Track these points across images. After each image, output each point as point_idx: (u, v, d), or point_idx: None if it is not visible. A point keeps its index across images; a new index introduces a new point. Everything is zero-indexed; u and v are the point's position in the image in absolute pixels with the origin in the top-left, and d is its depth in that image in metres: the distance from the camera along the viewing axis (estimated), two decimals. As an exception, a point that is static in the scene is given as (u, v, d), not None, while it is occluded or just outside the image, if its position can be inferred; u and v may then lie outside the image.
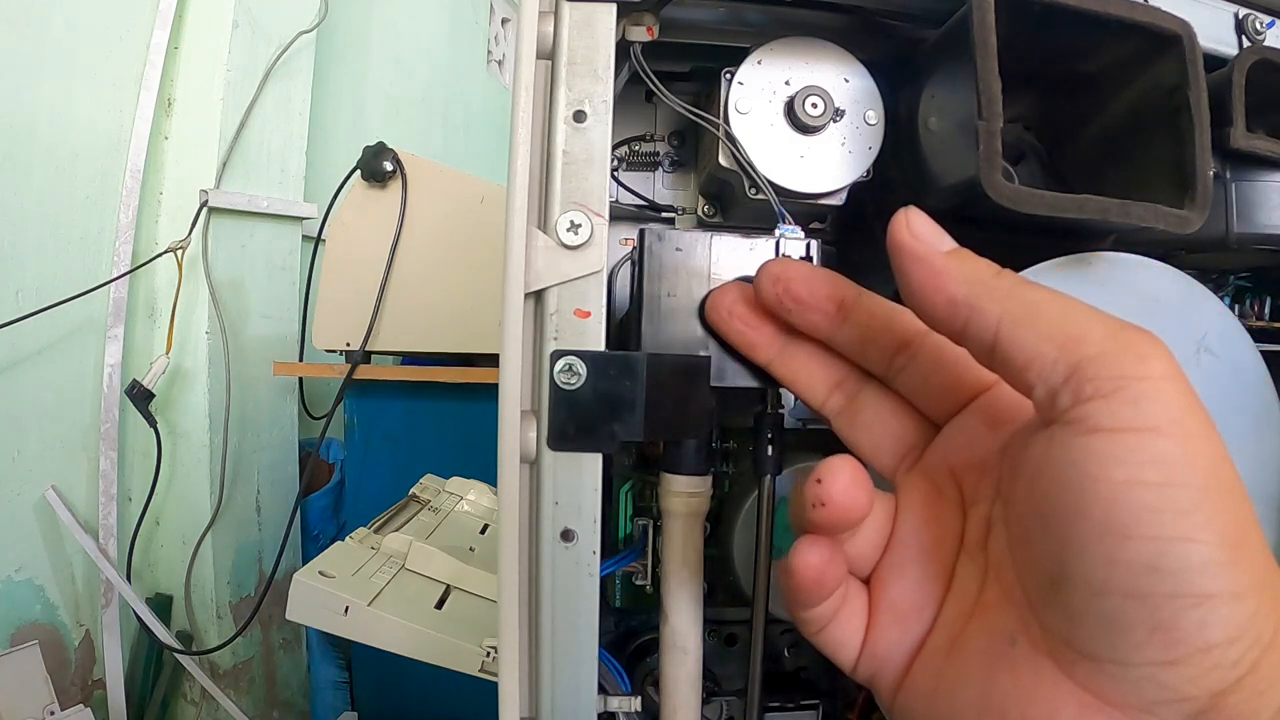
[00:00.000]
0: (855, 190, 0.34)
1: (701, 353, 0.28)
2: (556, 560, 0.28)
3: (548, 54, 0.28)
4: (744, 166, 0.33)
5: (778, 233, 0.30)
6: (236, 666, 1.35)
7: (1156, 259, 0.32)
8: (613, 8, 0.28)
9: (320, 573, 0.69)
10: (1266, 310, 0.43)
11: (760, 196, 0.33)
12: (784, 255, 0.30)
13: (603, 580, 0.30)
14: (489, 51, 2.37)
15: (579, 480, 0.27)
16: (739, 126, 0.33)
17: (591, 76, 0.28)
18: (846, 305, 0.25)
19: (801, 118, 0.32)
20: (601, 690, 0.33)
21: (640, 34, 0.32)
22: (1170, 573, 0.17)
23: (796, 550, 0.22)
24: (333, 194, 1.27)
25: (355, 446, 1.27)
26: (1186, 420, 0.18)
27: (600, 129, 0.27)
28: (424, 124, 2.05)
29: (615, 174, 0.41)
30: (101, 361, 1.22)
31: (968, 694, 0.20)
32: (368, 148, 1.19)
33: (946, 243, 0.21)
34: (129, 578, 1.23)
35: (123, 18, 1.22)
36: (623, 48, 0.31)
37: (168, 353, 1.24)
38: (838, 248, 0.40)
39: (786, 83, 0.33)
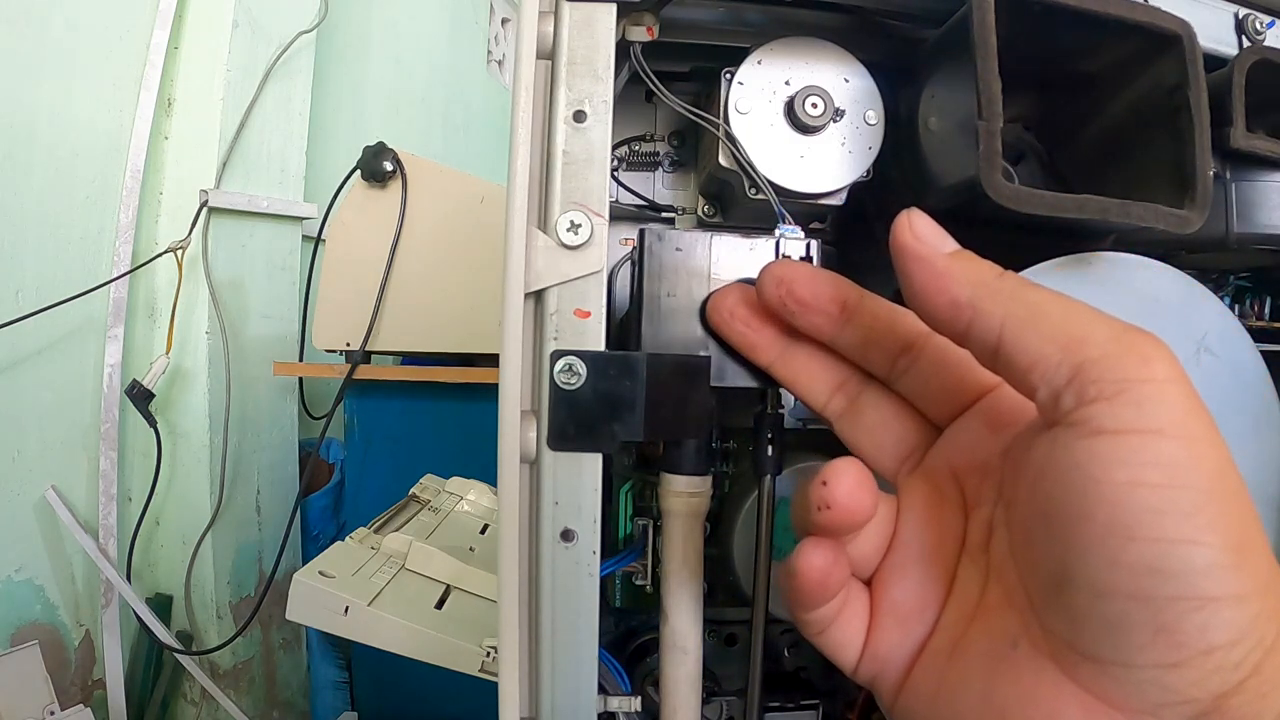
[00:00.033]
0: (855, 190, 0.34)
1: (701, 353, 0.28)
2: (556, 560, 0.28)
3: (548, 54, 0.28)
4: (744, 166, 0.33)
5: (778, 233, 0.30)
6: (236, 666, 1.35)
7: (1156, 259, 0.32)
8: (613, 8, 0.28)
9: (320, 573, 0.69)
10: (1266, 310, 0.43)
11: (760, 196, 0.33)
12: (784, 255, 0.30)
13: (603, 580, 0.30)
14: (489, 51, 2.37)
15: (579, 480, 0.27)
16: (739, 126, 0.33)
17: (591, 76, 0.28)
18: (849, 307, 0.24)
19: (801, 118, 0.32)
20: (601, 690, 0.33)
21: (640, 34, 0.32)
22: (1173, 575, 0.17)
23: (800, 552, 0.22)
24: (333, 194, 1.27)
25: (355, 446, 1.27)
26: (1190, 423, 0.18)
27: (600, 129, 0.27)
28: (424, 124, 2.05)
29: (615, 174, 0.41)
30: (101, 361, 1.22)
31: (969, 696, 0.20)
32: (368, 148, 1.19)
33: (949, 244, 0.21)
34: (129, 578, 1.23)
35: (123, 18, 1.22)
36: (623, 48, 0.31)
37: (168, 353, 1.24)
38: (838, 248, 0.40)
39: (786, 83, 0.33)
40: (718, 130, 0.33)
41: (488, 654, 0.64)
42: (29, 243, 1.11)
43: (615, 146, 0.41)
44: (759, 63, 0.33)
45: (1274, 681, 0.17)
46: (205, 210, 1.27)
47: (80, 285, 1.14)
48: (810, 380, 0.26)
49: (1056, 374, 0.19)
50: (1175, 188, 0.30)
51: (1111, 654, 0.18)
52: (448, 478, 1.03)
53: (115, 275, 1.20)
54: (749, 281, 0.28)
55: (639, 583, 0.36)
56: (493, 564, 0.60)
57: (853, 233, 0.40)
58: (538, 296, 0.27)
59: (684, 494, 0.30)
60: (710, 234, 0.29)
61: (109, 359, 1.22)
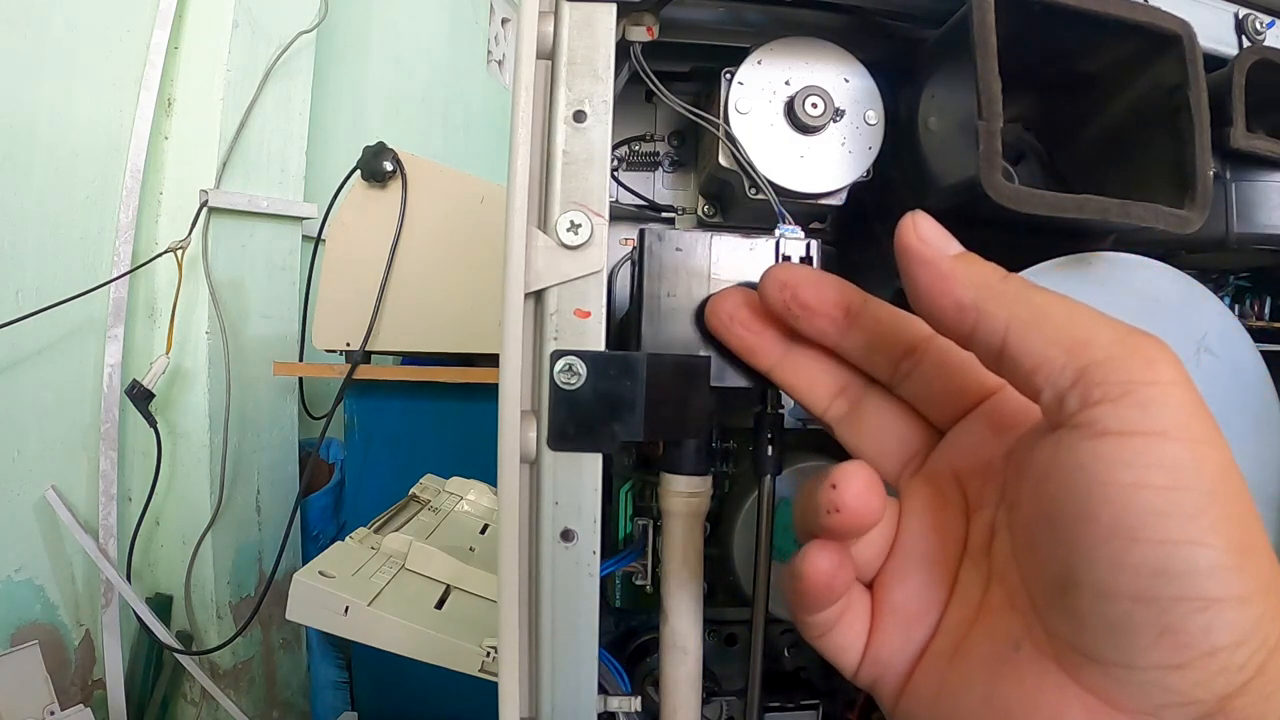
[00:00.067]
0: (855, 190, 0.34)
1: (701, 353, 0.28)
2: (556, 560, 0.28)
3: (548, 54, 0.28)
4: (744, 166, 0.33)
5: (778, 233, 0.30)
6: (236, 666, 1.35)
7: (1156, 259, 0.32)
8: (613, 8, 0.28)
9: (320, 573, 0.69)
10: (1266, 310, 0.43)
11: (760, 196, 0.33)
12: (784, 255, 0.29)
13: (603, 580, 0.30)
14: (489, 51, 2.37)
15: (579, 480, 0.27)
16: (739, 126, 0.33)
17: (591, 76, 0.28)
18: (853, 311, 0.24)
19: (801, 118, 0.32)
20: (601, 690, 0.33)
21: (640, 34, 0.32)
22: (1177, 576, 0.17)
23: (806, 555, 0.21)
24: (333, 194, 1.27)
25: (355, 446, 1.27)
26: (1193, 425, 0.18)
27: (600, 129, 0.27)
28: (424, 124, 2.05)
29: (615, 174, 0.41)
30: (101, 361, 1.22)
31: (971, 699, 0.20)
32: (368, 148, 1.19)
33: (954, 247, 0.21)
34: (129, 578, 1.23)
35: (123, 18, 1.22)
36: (623, 48, 0.31)
37: (168, 353, 1.24)
38: (838, 248, 0.40)
39: (786, 83, 0.33)
40: (718, 130, 0.33)
41: (488, 654, 0.64)
42: (29, 243, 1.11)
43: (615, 146, 0.41)
44: (759, 63, 0.33)
45: (1277, 683, 0.17)
46: (205, 210, 1.27)
47: (80, 285, 1.14)
48: (811, 385, 0.26)
49: (1061, 376, 0.19)
50: (1175, 188, 0.30)
51: (1115, 655, 0.18)
52: (448, 478, 1.03)
53: (115, 275, 1.20)
54: (747, 285, 0.28)
55: (639, 583, 0.36)
56: (493, 564, 0.60)
57: (853, 233, 0.40)
58: (538, 296, 0.27)
59: (684, 494, 0.30)
60: (710, 234, 0.29)
61: (109, 359, 1.22)
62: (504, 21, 2.43)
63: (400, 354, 1.31)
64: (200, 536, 1.30)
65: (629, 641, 0.41)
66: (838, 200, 0.34)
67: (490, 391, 0.79)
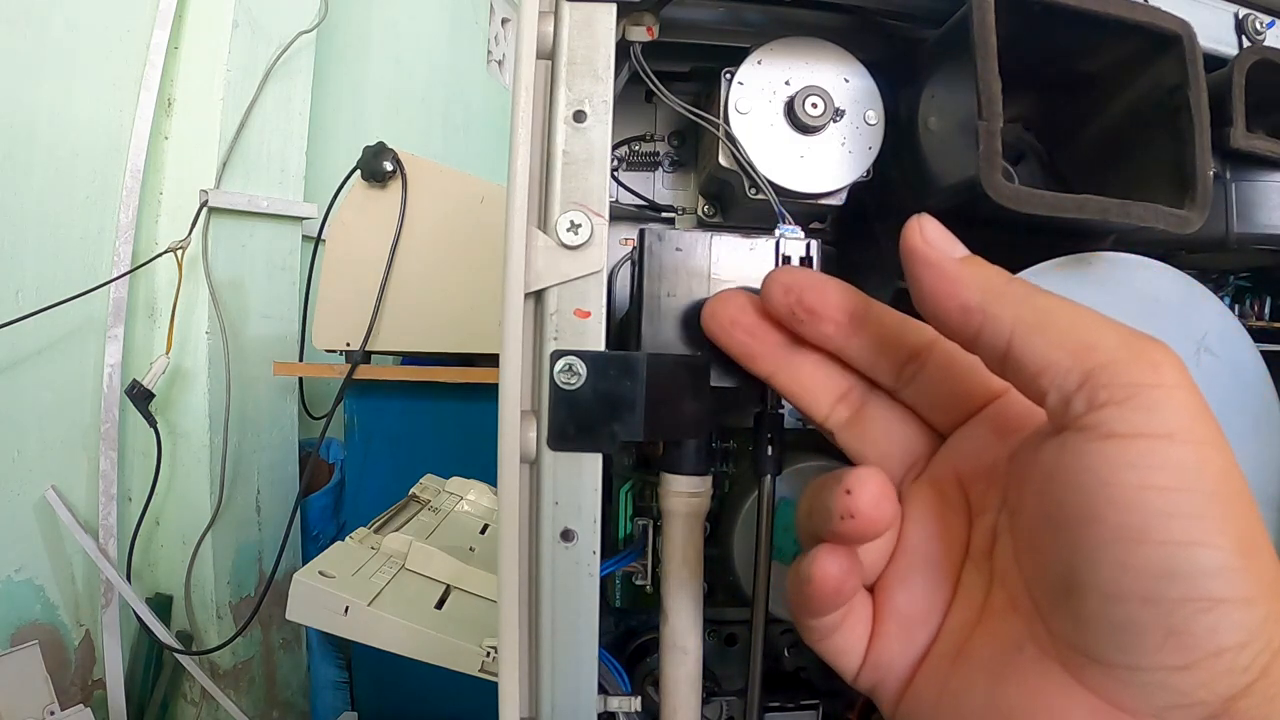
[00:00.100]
0: (855, 190, 0.34)
1: (701, 353, 0.28)
2: (556, 560, 0.28)
3: (548, 54, 0.28)
4: (744, 166, 0.33)
5: (778, 233, 0.30)
6: (236, 666, 1.35)
7: (1156, 259, 0.32)
8: (613, 8, 0.28)
9: (320, 573, 0.69)
10: (1266, 310, 0.43)
11: (760, 196, 0.33)
12: (784, 255, 0.29)
13: (603, 580, 0.30)
14: (489, 51, 2.37)
15: (579, 480, 0.27)
16: (739, 126, 0.33)
17: (591, 76, 0.28)
18: (857, 316, 0.24)
19: (801, 118, 0.32)
20: (601, 690, 0.33)
21: (640, 34, 0.32)
22: (1183, 577, 0.17)
23: (816, 559, 0.21)
24: (333, 194, 1.27)
25: (355, 446, 1.27)
26: (1198, 427, 0.18)
27: (600, 129, 0.27)
28: (424, 124, 2.06)
29: (615, 174, 0.41)
30: (101, 361, 1.22)
31: (974, 702, 0.20)
32: (368, 148, 1.19)
33: (959, 249, 0.21)
34: (129, 578, 1.23)
35: (123, 18, 1.22)
36: (623, 48, 0.31)
37: (168, 353, 1.24)
38: (838, 248, 0.40)
39: (786, 83, 0.33)
40: (718, 130, 0.33)
41: (488, 654, 0.64)
42: (29, 243, 1.11)
43: (615, 146, 0.41)
44: (759, 63, 0.33)
45: None
46: (205, 210, 1.27)
47: (80, 285, 1.15)
48: (812, 391, 0.26)
49: (1067, 379, 0.19)
50: (1175, 188, 0.30)
51: (1120, 657, 0.18)
52: (448, 478, 1.03)
53: (115, 275, 1.20)
54: (744, 289, 0.27)
55: (639, 583, 0.36)
56: (493, 564, 0.60)
57: (853, 233, 0.40)
58: (538, 296, 0.27)
59: (684, 494, 0.30)
60: (710, 234, 0.29)
61: (109, 359, 1.22)
62: (504, 21, 2.43)
63: (400, 354, 1.31)
64: (200, 536, 1.30)
65: (629, 641, 0.41)
66: (838, 200, 0.34)
67: (490, 391, 0.79)
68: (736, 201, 0.36)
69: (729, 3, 0.34)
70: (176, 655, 1.26)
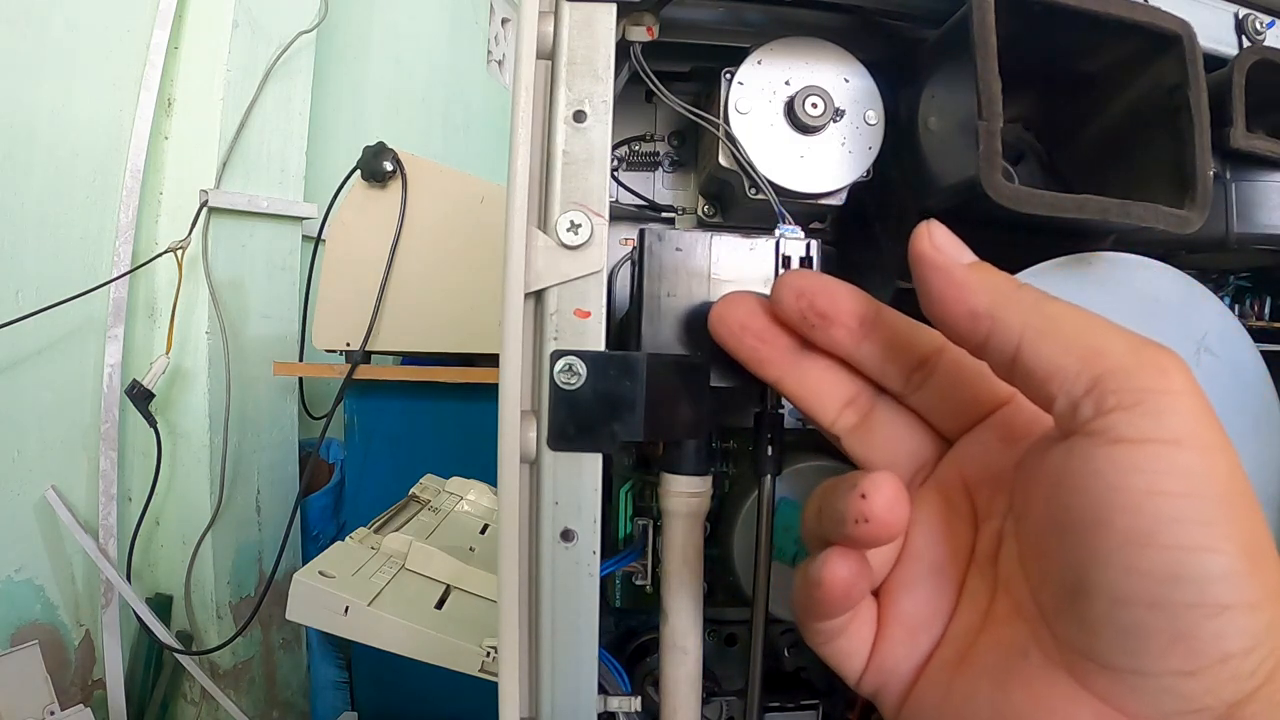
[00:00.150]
0: (855, 190, 0.34)
1: (701, 353, 0.28)
2: (556, 560, 0.28)
3: (548, 54, 0.28)
4: (744, 166, 0.33)
5: (778, 233, 0.30)
6: (236, 666, 1.35)
7: (1156, 259, 0.32)
8: (613, 8, 0.28)
9: (320, 573, 0.69)
10: (1266, 310, 0.43)
11: (760, 196, 0.33)
12: (784, 256, 0.29)
13: (603, 580, 0.30)
14: (489, 51, 2.37)
15: (579, 480, 0.27)
16: (739, 126, 0.33)
17: (591, 76, 0.28)
18: (867, 321, 0.24)
19: (801, 118, 0.32)
20: (601, 690, 0.33)
21: (640, 34, 0.32)
22: (1190, 581, 0.17)
23: (827, 563, 0.21)
24: (333, 194, 1.27)
25: (355, 446, 1.27)
26: (1205, 433, 0.18)
27: (600, 129, 0.27)
28: (424, 124, 2.06)
29: (615, 174, 0.41)
30: (101, 361, 1.22)
31: (978, 708, 0.20)
32: (368, 148, 1.19)
33: (967, 255, 0.21)
34: (129, 578, 1.23)
35: (123, 18, 1.22)
36: (623, 48, 0.31)
37: (168, 353, 1.24)
38: (838, 248, 0.40)
39: (786, 83, 0.33)
40: (718, 130, 0.33)
41: (488, 654, 0.64)
42: (29, 243, 1.11)
43: (615, 146, 0.41)
44: (759, 63, 0.33)
45: None
46: (205, 210, 1.27)
47: (80, 285, 1.15)
48: (820, 396, 0.25)
49: (1075, 384, 0.19)
50: (1175, 188, 0.30)
51: (1128, 662, 0.18)
52: (448, 478, 1.03)
53: (115, 275, 1.20)
54: (749, 292, 0.27)
55: (639, 583, 0.36)
56: (493, 564, 0.60)
57: (853, 233, 0.40)
58: (538, 296, 0.27)
59: (684, 494, 0.30)
60: (710, 234, 0.29)
61: (109, 359, 1.22)
62: (504, 21, 2.43)
63: (400, 354, 1.31)
64: (200, 536, 1.30)
65: (629, 641, 0.41)
66: (838, 200, 0.34)
67: (490, 391, 0.79)
68: (736, 201, 0.36)
69: (729, 3, 0.34)
70: (176, 655, 1.26)
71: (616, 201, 0.41)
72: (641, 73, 0.32)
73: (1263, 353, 0.33)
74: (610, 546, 0.37)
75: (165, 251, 1.25)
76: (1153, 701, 0.18)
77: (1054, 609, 0.20)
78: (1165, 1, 0.31)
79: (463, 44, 2.24)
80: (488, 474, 0.99)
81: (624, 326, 0.35)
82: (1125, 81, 0.32)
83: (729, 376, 0.28)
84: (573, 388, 0.26)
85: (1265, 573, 0.17)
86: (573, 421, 0.27)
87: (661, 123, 0.42)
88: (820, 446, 0.36)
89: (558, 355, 0.27)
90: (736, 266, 0.29)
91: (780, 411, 0.31)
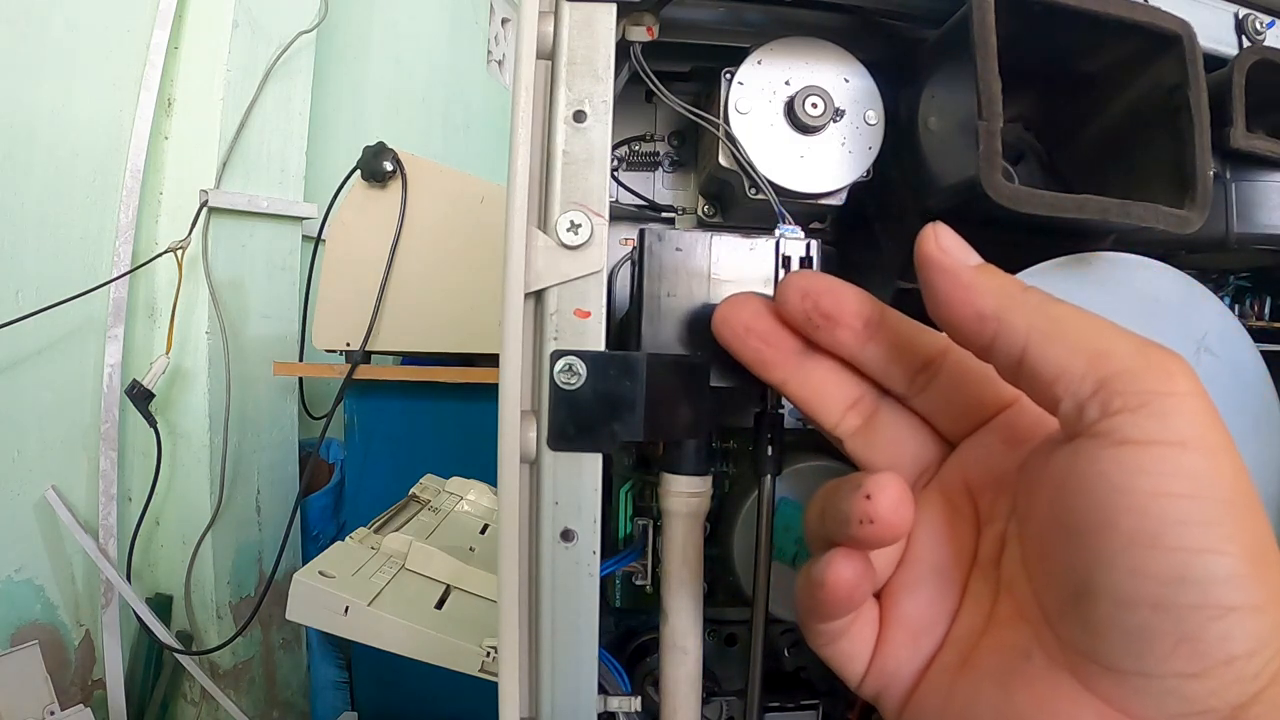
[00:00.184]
0: (855, 190, 0.34)
1: (701, 353, 0.28)
2: (556, 560, 0.28)
3: (548, 54, 0.28)
4: (744, 166, 0.33)
5: (778, 233, 0.30)
6: (236, 666, 1.35)
7: (1156, 259, 0.32)
8: (613, 8, 0.28)
9: (320, 573, 0.69)
10: (1266, 310, 0.43)
11: (760, 196, 0.33)
12: (783, 256, 0.29)
13: (603, 580, 0.30)
14: (489, 51, 2.37)
15: (579, 480, 0.27)
16: (739, 126, 0.33)
17: (591, 76, 0.28)
18: (872, 323, 0.24)
19: (801, 118, 0.32)
20: (601, 690, 0.33)
21: (640, 34, 0.32)
22: (1196, 583, 0.17)
23: (831, 564, 0.21)
24: (333, 194, 1.27)
25: (355, 446, 1.27)
26: (1211, 435, 0.18)
27: (600, 129, 0.27)
28: (424, 124, 2.06)
29: (615, 174, 0.41)
30: (101, 361, 1.22)
31: (981, 711, 0.20)
32: (368, 148, 1.19)
33: (973, 258, 0.21)
34: (129, 578, 1.23)
35: (123, 18, 1.22)
36: (623, 48, 0.31)
37: (168, 353, 1.24)
38: (837, 248, 0.40)
39: (786, 83, 0.33)
40: (718, 130, 0.33)
41: (488, 654, 0.64)
42: (29, 243, 1.11)
43: (615, 146, 0.41)
44: (759, 63, 0.33)
45: None
46: (205, 210, 1.27)
47: (80, 285, 1.14)
48: (823, 398, 0.25)
49: (1081, 386, 0.19)
50: (1175, 188, 0.30)
51: (1132, 664, 0.18)
52: (448, 478, 1.03)
53: (115, 275, 1.20)
54: (752, 293, 0.27)
55: (639, 583, 0.36)
56: (493, 564, 0.60)
57: (853, 233, 0.40)
58: (538, 296, 0.27)
59: (684, 494, 0.30)
60: (710, 234, 0.29)
61: (109, 359, 1.22)
62: (504, 21, 2.43)
63: (400, 354, 1.31)
64: (200, 536, 1.30)
65: (629, 641, 0.41)
66: (838, 200, 0.34)
67: (490, 391, 0.79)
68: (736, 201, 0.36)
69: (729, 3, 0.34)
70: (176, 655, 1.26)
71: (616, 201, 0.41)
72: (641, 73, 0.32)
73: (1263, 353, 0.33)
74: (610, 546, 0.37)
75: (165, 251, 1.25)
76: (1157, 703, 0.18)
77: (1058, 611, 0.20)
78: (1165, 1, 0.31)
79: (463, 44, 2.24)
80: (488, 474, 0.99)
81: (624, 326, 0.35)
82: (1125, 81, 0.32)
83: (729, 377, 0.28)
84: (573, 388, 0.26)
85: (1270, 575, 0.17)
86: (573, 421, 0.27)
87: (661, 123, 0.42)
88: (820, 446, 0.36)
89: (558, 355, 0.27)
90: (736, 266, 0.29)
91: (780, 411, 0.31)
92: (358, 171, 1.19)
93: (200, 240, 1.28)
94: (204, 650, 1.28)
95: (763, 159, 0.33)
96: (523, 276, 0.26)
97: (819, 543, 0.22)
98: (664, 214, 0.42)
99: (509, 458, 0.26)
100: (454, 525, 0.90)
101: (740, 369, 0.27)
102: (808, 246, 0.30)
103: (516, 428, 0.26)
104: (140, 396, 1.19)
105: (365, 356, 1.18)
